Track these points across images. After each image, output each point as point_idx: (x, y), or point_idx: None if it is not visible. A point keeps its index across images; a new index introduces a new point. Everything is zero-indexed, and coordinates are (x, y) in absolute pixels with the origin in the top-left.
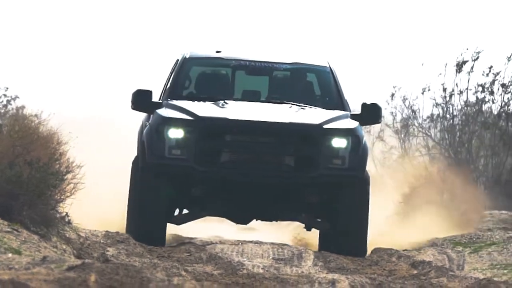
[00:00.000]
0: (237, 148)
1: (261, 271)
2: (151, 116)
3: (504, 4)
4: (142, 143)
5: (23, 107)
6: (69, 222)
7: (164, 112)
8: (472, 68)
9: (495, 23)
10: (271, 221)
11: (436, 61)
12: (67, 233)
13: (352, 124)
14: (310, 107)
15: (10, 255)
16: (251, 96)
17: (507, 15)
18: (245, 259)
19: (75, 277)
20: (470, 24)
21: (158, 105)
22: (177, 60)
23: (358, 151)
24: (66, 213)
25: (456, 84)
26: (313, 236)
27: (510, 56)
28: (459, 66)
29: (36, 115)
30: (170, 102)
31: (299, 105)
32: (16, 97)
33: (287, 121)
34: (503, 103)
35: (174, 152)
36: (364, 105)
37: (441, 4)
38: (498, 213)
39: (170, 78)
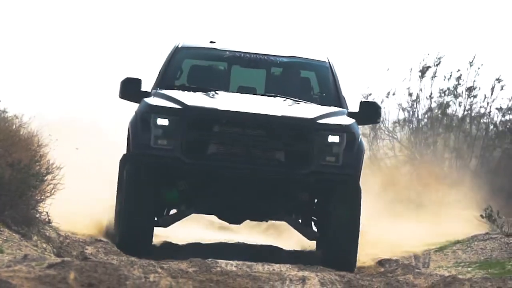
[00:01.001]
0: (225, 140)
1: (234, 269)
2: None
3: (467, 9)
4: (127, 133)
5: (5, 111)
6: (49, 222)
7: (151, 100)
8: (435, 73)
9: (458, 28)
10: (261, 221)
11: (401, 66)
12: (47, 232)
13: (348, 120)
14: (306, 102)
15: None
16: (245, 89)
17: (470, 20)
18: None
19: (55, 274)
20: (434, 29)
21: (147, 94)
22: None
23: (353, 148)
24: (47, 213)
25: (421, 89)
26: None
27: (472, 60)
28: (423, 72)
29: (16, 117)
30: (159, 91)
31: (293, 100)
32: None
33: (279, 114)
34: (467, 107)
35: (160, 142)
36: (362, 103)
37: (406, 9)
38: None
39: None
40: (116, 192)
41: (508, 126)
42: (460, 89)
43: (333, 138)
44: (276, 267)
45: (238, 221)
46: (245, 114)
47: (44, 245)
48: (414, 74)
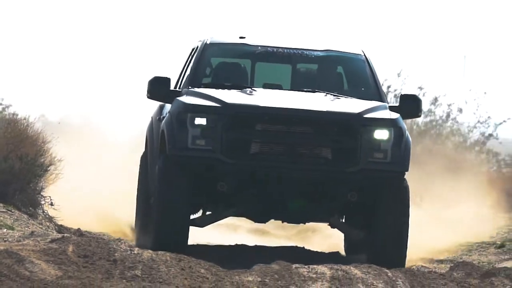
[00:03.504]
0: (268, 139)
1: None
2: (165, 105)
3: (395, 17)
4: (162, 133)
5: (16, 114)
6: (51, 204)
7: (186, 99)
8: None
9: (386, 39)
10: (298, 223)
11: None
12: (50, 213)
13: (394, 115)
14: (346, 97)
15: (5, 230)
16: (279, 86)
17: (399, 29)
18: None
19: (56, 248)
20: (366, 38)
21: (178, 93)
22: (194, 48)
23: (401, 144)
24: (50, 197)
25: None
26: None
27: (400, 72)
28: None
29: (24, 119)
30: (192, 89)
31: (334, 95)
32: (10, 105)
33: (324, 109)
34: None
35: (199, 142)
36: (402, 97)
37: (339, 19)
38: None
39: (185, 65)
40: (136, 190)
41: (428, 126)
42: (389, 96)
43: (381, 134)
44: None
45: (264, 220)
46: (289, 110)
47: (48, 224)
48: None
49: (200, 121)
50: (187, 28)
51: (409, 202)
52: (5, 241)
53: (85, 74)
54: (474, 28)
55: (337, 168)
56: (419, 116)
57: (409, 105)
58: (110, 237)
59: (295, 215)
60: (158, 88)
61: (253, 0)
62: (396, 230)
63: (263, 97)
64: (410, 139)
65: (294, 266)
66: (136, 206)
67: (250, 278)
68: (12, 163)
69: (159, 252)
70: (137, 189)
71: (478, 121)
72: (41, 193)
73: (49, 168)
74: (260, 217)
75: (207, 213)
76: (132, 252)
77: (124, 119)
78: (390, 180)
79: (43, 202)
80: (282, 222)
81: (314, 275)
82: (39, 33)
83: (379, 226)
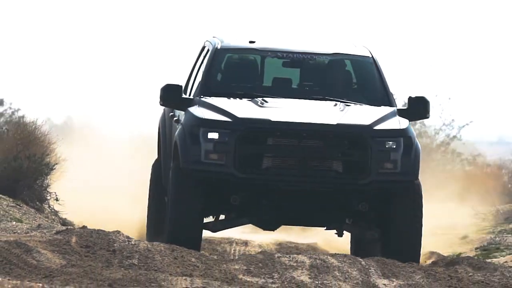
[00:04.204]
0: (280, 153)
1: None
2: (178, 114)
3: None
4: (175, 145)
5: (24, 117)
6: (56, 199)
7: (199, 111)
8: None
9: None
10: (308, 226)
11: None
12: (55, 207)
13: (403, 123)
14: (355, 104)
15: (14, 223)
16: (290, 91)
17: (372, 34)
18: None
19: (61, 239)
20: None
21: (190, 102)
22: (203, 48)
23: (411, 153)
24: (55, 193)
25: None
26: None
27: None
28: None
29: (33, 122)
30: (203, 99)
31: (343, 101)
32: (18, 109)
33: (334, 122)
34: None
35: (212, 156)
36: (410, 99)
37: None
38: None
39: (195, 65)
40: (148, 198)
41: None
42: None
43: (391, 144)
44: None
45: (273, 227)
46: (300, 124)
47: (53, 217)
48: None
49: (213, 135)
50: (188, 27)
51: (422, 204)
52: (14, 232)
53: (87, 79)
54: (440, 38)
55: (348, 181)
56: (428, 117)
57: (417, 107)
58: (110, 229)
59: (306, 223)
60: (171, 95)
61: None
62: (411, 236)
63: (274, 110)
64: (420, 146)
65: (276, 255)
66: (148, 208)
67: (236, 266)
68: (21, 162)
69: (154, 243)
70: (148, 201)
71: (444, 124)
72: (47, 190)
73: (54, 167)
74: (270, 226)
75: (221, 217)
76: (130, 242)
77: (123, 120)
78: (401, 189)
79: (48, 198)
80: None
81: (295, 264)
82: (45, 40)
83: (392, 230)
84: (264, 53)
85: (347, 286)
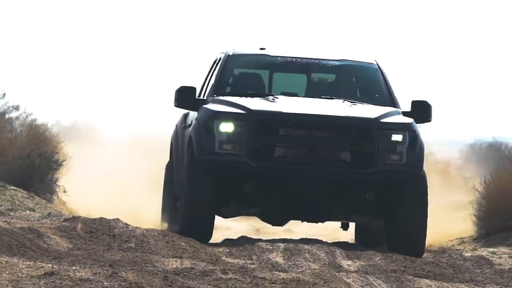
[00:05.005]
0: (291, 143)
1: None
2: (189, 113)
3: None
4: (189, 139)
5: (36, 120)
6: (64, 191)
7: (213, 106)
8: None
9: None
10: (317, 222)
11: None
12: (63, 198)
13: (408, 119)
14: (362, 103)
15: (27, 212)
16: (295, 94)
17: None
18: None
19: (68, 225)
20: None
21: (203, 102)
22: (217, 59)
23: (416, 146)
24: (63, 186)
25: None
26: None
27: None
28: None
29: (43, 124)
30: (217, 97)
31: (350, 101)
32: (31, 113)
33: (343, 114)
34: None
35: (225, 147)
36: (414, 103)
37: None
38: None
39: (208, 75)
40: (162, 195)
41: None
42: None
43: (397, 137)
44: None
45: (282, 222)
46: (311, 115)
47: (61, 207)
48: None
49: (226, 127)
50: (193, 38)
51: (427, 196)
52: (27, 220)
53: (92, 87)
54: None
55: (356, 170)
56: (430, 121)
57: (420, 110)
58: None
59: (315, 215)
60: (185, 97)
61: (270, 12)
62: (416, 227)
63: (285, 104)
64: (423, 142)
65: (256, 240)
66: (162, 210)
67: (220, 249)
68: (33, 159)
69: (149, 228)
70: (163, 195)
71: None
72: (56, 183)
73: (62, 163)
74: (279, 219)
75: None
76: (128, 229)
77: (123, 122)
78: (406, 180)
79: (57, 190)
80: (302, 221)
81: (271, 247)
82: (58, 51)
83: (398, 220)
84: (274, 59)
85: (316, 266)
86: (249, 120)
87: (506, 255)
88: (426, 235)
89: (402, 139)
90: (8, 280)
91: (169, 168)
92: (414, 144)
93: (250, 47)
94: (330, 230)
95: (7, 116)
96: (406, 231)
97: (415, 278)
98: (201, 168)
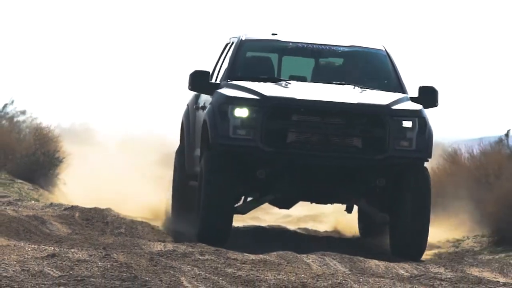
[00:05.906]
0: (304, 129)
1: None
2: (200, 94)
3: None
4: (204, 123)
5: (40, 123)
6: (64, 184)
7: (227, 91)
8: None
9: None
10: (325, 204)
11: None
12: (63, 190)
13: (417, 106)
14: (372, 89)
15: (32, 202)
16: (304, 78)
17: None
18: None
19: (67, 214)
20: None
21: (217, 86)
22: (227, 44)
23: (425, 133)
24: (63, 179)
25: None
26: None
27: None
28: None
29: (47, 126)
30: (231, 82)
31: (361, 87)
32: (36, 117)
33: (355, 101)
34: None
35: (240, 132)
36: (421, 88)
37: None
38: None
39: (218, 60)
40: (173, 178)
41: None
42: None
43: (407, 123)
44: None
45: (288, 206)
46: (323, 102)
47: (62, 198)
48: None
49: (241, 112)
50: (190, 34)
51: (430, 191)
52: (33, 209)
53: (88, 90)
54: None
55: (367, 156)
56: (436, 106)
57: (427, 96)
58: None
59: (325, 198)
60: (199, 80)
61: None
62: (419, 213)
63: (298, 90)
64: (432, 128)
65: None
66: (172, 192)
67: None
68: (38, 156)
69: (137, 216)
70: (173, 178)
71: None
72: (58, 177)
73: (62, 160)
74: (288, 203)
75: (248, 199)
76: (119, 216)
77: (117, 124)
78: (415, 166)
79: (58, 183)
80: (311, 202)
81: (243, 233)
82: (61, 58)
83: (403, 209)
84: (286, 44)
85: (280, 249)
86: (263, 106)
87: None
88: (429, 232)
89: (412, 125)
90: (16, 261)
91: (180, 152)
92: (424, 130)
93: (262, 33)
94: (293, 218)
95: (15, 119)
96: (409, 229)
97: (366, 259)
98: (218, 155)
